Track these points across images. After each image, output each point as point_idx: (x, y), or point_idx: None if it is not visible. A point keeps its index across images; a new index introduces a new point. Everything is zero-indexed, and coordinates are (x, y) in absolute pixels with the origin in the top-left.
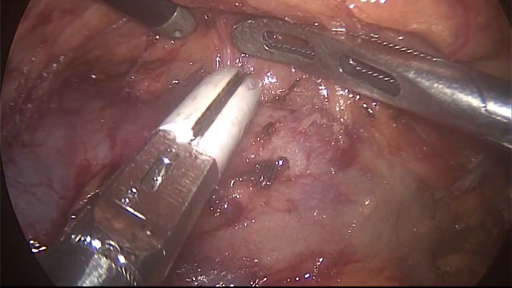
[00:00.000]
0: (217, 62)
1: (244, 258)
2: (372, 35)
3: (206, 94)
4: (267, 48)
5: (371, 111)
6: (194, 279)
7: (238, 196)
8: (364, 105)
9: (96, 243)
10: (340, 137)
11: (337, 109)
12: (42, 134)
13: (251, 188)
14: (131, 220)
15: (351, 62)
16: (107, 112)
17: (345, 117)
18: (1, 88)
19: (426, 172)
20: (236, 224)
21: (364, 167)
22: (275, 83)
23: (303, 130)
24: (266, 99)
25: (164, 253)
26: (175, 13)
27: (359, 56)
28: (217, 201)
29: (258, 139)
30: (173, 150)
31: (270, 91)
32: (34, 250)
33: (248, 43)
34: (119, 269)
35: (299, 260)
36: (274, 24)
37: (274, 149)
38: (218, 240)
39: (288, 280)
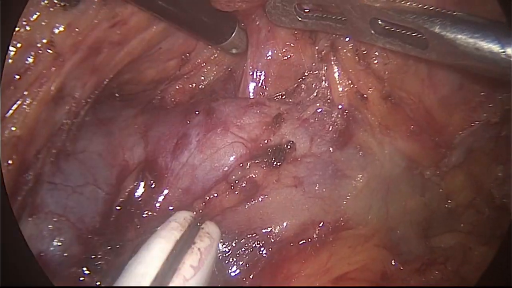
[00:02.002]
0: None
1: (258, 228)
2: None
3: None
4: (300, 19)
5: (365, 95)
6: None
7: (254, 176)
8: (359, 91)
9: None
10: (338, 120)
11: (336, 96)
12: (83, 142)
13: (264, 168)
14: None
15: (380, 23)
16: (139, 119)
17: (343, 103)
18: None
19: (414, 150)
20: (253, 199)
21: (358, 146)
22: (282, 82)
23: (307, 118)
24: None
25: None
26: (233, 34)
27: (387, 17)
28: (237, 181)
29: (270, 127)
30: None
31: (278, 89)
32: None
33: (281, 16)
34: None
35: (302, 228)
36: None
37: (283, 135)
38: (237, 215)
39: (292, 244)
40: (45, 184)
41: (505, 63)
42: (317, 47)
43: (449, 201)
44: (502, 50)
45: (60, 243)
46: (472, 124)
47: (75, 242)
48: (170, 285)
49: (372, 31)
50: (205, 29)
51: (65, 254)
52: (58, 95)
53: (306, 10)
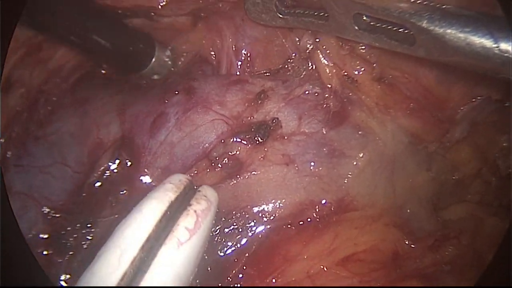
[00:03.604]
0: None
1: (248, 207)
2: None
3: None
4: (281, 16)
5: (354, 78)
6: None
7: (236, 152)
8: (345, 73)
9: None
10: (330, 102)
11: (326, 78)
12: (56, 125)
13: (247, 145)
14: None
15: (365, 18)
16: (116, 98)
17: (333, 84)
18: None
19: (416, 126)
20: (238, 176)
21: (356, 126)
22: (266, 61)
23: (295, 97)
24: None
25: None
26: (153, 61)
27: (371, 12)
28: (217, 157)
29: (252, 104)
30: None
31: (262, 67)
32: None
33: (261, 13)
34: None
35: (300, 208)
36: None
37: (267, 112)
38: (222, 192)
39: (289, 226)
40: (11, 167)
41: (498, 59)
42: (297, 40)
43: (456, 172)
44: (495, 45)
45: (26, 221)
46: (473, 100)
47: (40, 220)
48: (163, 248)
49: (356, 27)
50: (119, 58)
51: (33, 232)
52: (5, 84)
53: (287, 7)
